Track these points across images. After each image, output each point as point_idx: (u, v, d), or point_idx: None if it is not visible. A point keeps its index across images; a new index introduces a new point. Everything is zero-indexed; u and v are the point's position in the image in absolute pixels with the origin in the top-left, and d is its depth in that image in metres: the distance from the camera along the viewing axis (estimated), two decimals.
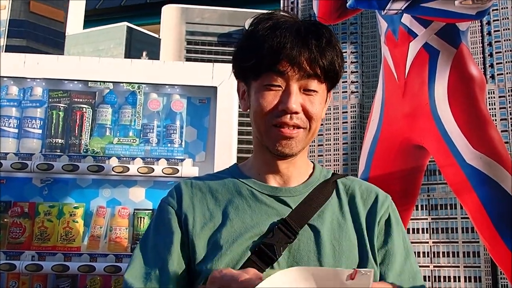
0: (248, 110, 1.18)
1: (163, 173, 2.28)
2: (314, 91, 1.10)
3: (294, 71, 1.07)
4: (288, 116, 1.09)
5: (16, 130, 2.39)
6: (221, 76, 2.36)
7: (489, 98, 3.76)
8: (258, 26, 1.13)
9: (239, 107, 2.56)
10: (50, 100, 2.43)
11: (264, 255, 1.06)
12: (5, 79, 2.44)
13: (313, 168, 1.25)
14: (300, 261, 1.08)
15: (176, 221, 1.14)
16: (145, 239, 1.18)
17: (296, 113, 1.09)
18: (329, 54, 1.09)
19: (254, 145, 1.21)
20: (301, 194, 1.16)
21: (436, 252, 3.32)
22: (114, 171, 2.27)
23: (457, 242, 3.30)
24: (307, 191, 1.17)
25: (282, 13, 1.16)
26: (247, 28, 1.16)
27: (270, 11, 1.17)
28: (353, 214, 1.16)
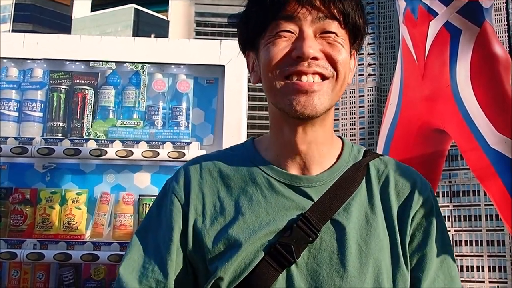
0: (261, 84, 0.99)
1: (169, 157, 2.16)
2: (334, 32, 0.93)
3: (306, 12, 0.91)
4: (305, 63, 0.90)
5: (16, 114, 2.30)
6: (229, 54, 2.22)
7: None
8: None
9: (249, 90, 2.43)
10: (51, 81, 2.33)
11: (280, 256, 0.92)
12: (4, 60, 2.34)
13: (342, 147, 1.05)
14: (321, 263, 0.93)
15: (181, 217, 0.99)
16: (146, 227, 1.03)
17: (316, 59, 0.91)
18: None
19: (270, 120, 1.04)
20: (325, 184, 0.98)
21: (458, 241, 3.16)
22: (117, 155, 2.17)
23: (481, 231, 3.14)
24: (333, 179, 0.99)
25: None
26: None
27: None
28: (384, 206, 0.98)
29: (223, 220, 0.97)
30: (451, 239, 3.03)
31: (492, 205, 3.25)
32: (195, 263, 0.98)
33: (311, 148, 0.99)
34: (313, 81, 0.92)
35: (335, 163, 1.02)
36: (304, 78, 0.92)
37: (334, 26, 0.92)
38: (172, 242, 0.98)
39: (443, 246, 0.99)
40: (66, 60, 2.32)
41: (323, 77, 0.93)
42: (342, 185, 0.98)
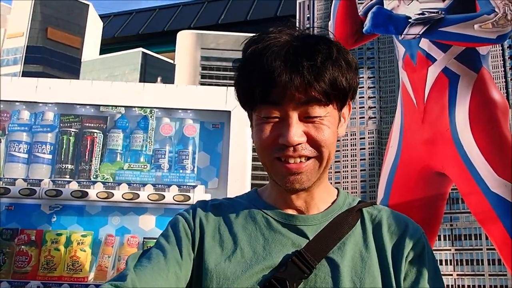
0: None
1: (174, 200, 2.20)
2: (318, 117, 0.98)
3: (289, 99, 0.95)
4: (291, 149, 0.97)
5: (26, 155, 2.35)
6: (235, 100, 2.28)
7: None
8: (247, 51, 1.02)
9: None
10: (61, 125, 2.40)
11: None
12: (17, 103, 2.41)
13: (337, 195, 1.13)
14: None
15: (189, 242, 1.05)
16: (154, 245, 1.10)
17: (300, 144, 0.98)
18: (328, 73, 0.95)
19: (269, 176, 1.11)
20: (320, 223, 1.05)
21: (461, 286, 3.14)
22: (124, 198, 2.20)
23: (483, 275, 3.13)
24: (327, 220, 1.05)
25: (276, 30, 1.03)
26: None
27: (263, 31, 1.04)
28: (378, 247, 1.03)
29: (221, 251, 1.02)
30: (453, 283, 3.01)
31: (494, 249, 3.26)
32: (190, 286, 1.02)
33: (306, 201, 1.08)
34: (300, 161, 0.99)
35: (329, 206, 1.09)
36: (291, 160, 0.99)
37: (317, 109, 0.97)
38: (182, 258, 1.02)
39: (435, 284, 1.03)
40: (76, 104, 2.39)
41: (308, 157, 1.00)
42: (337, 225, 1.04)
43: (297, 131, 0.97)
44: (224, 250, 1.02)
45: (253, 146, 2.42)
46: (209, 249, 1.03)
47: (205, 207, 1.12)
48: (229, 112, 2.31)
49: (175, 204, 2.21)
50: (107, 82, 2.38)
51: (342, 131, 1.06)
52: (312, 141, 0.99)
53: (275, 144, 0.99)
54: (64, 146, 2.34)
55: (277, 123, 0.99)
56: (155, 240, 2.24)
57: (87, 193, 2.20)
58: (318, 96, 0.96)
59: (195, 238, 1.05)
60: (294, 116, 0.97)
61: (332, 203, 1.10)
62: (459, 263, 3.45)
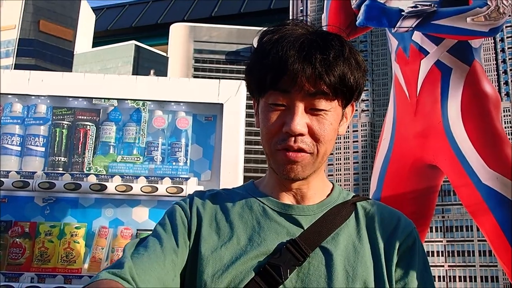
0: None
1: (167, 192, 2.21)
2: (323, 110, 1.01)
3: (297, 89, 0.98)
4: (293, 139, 1.01)
5: (19, 148, 2.35)
6: (227, 93, 2.30)
7: (504, 116, 3.66)
8: (263, 39, 1.06)
9: (246, 125, 2.51)
10: (54, 117, 2.39)
11: (269, 277, 0.98)
12: (9, 96, 2.41)
13: (332, 189, 1.16)
14: (309, 286, 0.99)
15: (186, 230, 1.07)
16: (151, 234, 1.10)
17: (301, 135, 1.01)
18: (338, 68, 0.98)
19: (268, 163, 1.13)
20: (315, 214, 1.08)
21: (452, 277, 3.18)
22: (117, 190, 2.21)
23: (474, 266, 3.16)
24: (322, 211, 1.08)
25: (292, 23, 1.07)
26: (255, 45, 1.10)
27: (280, 23, 1.08)
28: (371, 239, 1.06)
29: (217, 238, 1.04)
30: (445, 274, 3.05)
31: (485, 240, 3.31)
32: (184, 273, 1.03)
33: (302, 189, 1.10)
34: (297, 153, 1.02)
35: (325, 199, 1.12)
36: (290, 151, 1.02)
37: (323, 102, 1.01)
38: (178, 248, 1.03)
39: (425, 281, 1.06)
40: (69, 96, 2.39)
41: (305, 152, 1.03)
42: (331, 216, 1.07)
43: (300, 121, 1.00)
44: (221, 237, 1.05)
45: (246, 138, 2.43)
46: (206, 236, 1.05)
47: (203, 196, 1.14)
48: (222, 104, 2.32)
49: (168, 196, 2.22)
50: (100, 74, 2.38)
51: (343, 130, 1.10)
52: (313, 135, 1.02)
53: (279, 134, 1.02)
54: (57, 139, 2.34)
55: (283, 112, 1.02)
56: (148, 232, 2.27)
57: (80, 186, 2.21)
58: (326, 90, 0.99)
59: (191, 226, 1.07)
60: (300, 106, 1.00)
61: (327, 196, 1.13)
62: (450, 254, 3.49)
